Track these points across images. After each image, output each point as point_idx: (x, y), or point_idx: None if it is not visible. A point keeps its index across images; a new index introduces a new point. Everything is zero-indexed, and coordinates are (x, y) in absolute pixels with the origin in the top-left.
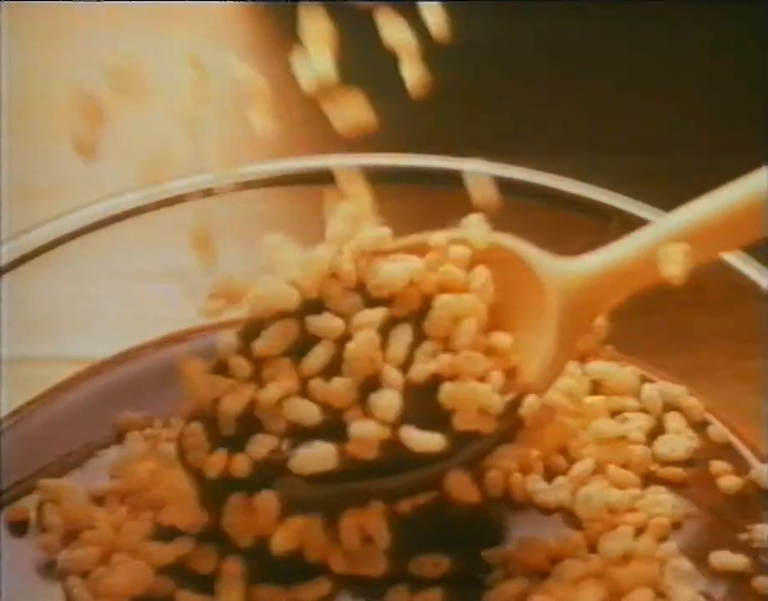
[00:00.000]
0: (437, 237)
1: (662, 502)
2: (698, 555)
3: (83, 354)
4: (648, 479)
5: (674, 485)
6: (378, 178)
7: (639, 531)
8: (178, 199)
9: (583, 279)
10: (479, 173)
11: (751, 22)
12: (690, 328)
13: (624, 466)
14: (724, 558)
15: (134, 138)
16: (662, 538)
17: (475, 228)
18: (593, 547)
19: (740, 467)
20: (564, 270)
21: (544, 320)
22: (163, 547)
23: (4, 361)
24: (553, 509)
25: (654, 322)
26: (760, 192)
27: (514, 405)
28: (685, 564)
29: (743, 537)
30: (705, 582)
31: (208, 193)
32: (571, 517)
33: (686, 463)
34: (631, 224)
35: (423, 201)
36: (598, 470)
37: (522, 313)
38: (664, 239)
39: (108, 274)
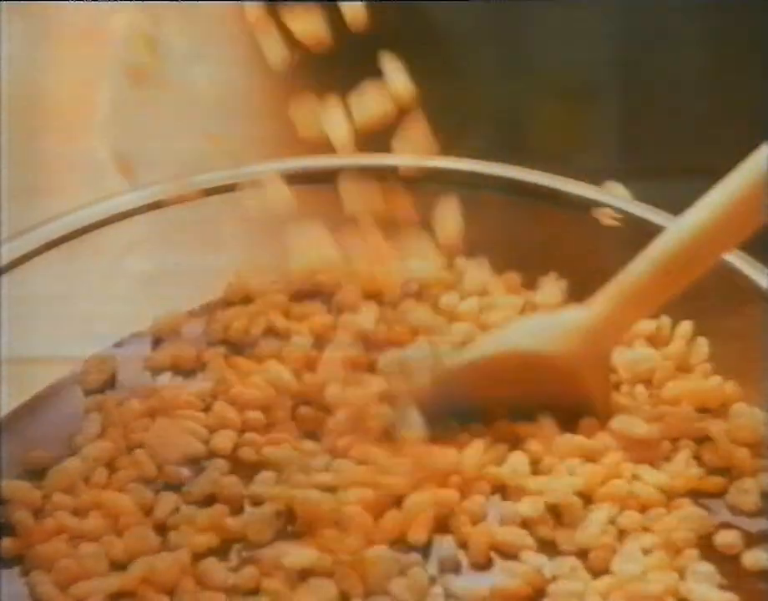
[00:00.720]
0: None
1: (688, 517)
2: (729, 557)
3: (81, 354)
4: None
5: (714, 494)
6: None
7: (654, 547)
8: (177, 199)
9: (595, 326)
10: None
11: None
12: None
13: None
14: (756, 558)
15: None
16: (680, 550)
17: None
18: (598, 572)
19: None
20: (576, 331)
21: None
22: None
23: (3, 361)
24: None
25: None
26: (759, 178)
27: None
28: (707, 567)
29: None
30: (736, 583)
31: (207, 192)
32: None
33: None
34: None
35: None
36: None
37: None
38: (667, 257)
39: (107, 274)
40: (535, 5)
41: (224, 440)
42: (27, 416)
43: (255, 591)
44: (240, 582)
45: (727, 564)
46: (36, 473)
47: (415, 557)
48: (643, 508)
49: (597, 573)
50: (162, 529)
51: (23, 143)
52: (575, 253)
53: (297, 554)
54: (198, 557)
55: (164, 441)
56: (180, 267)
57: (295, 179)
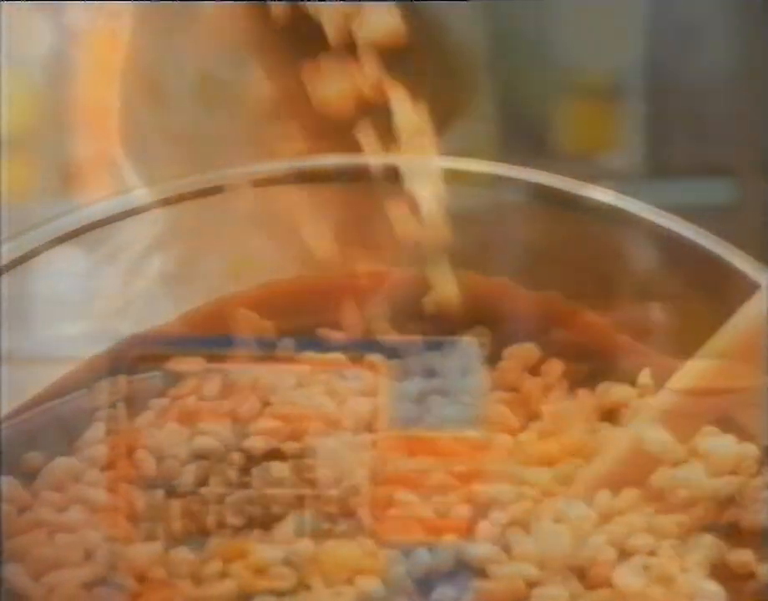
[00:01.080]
0: None
1: (703, 543)
2: (742, 575)
3: (81, 354)
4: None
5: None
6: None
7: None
8: (178, 199)
9: None
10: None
11: None
12: (693, 326)
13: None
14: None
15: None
16: (688, 569)
17: None
18: (595, 586)
19: None
20: None
21: None
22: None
23: (3, 361)
24: None
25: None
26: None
27: None
28: (711, 585)
29: None
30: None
31: (208, 192)
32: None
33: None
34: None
35: None
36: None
37: None
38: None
39: (106, 274)
40: (559, 2)
41: (257, 441)
42: (26, 418)
43: (222, 577)
44: (207, 569)
45: (740, 583)
46: (29, 475)
47: (392, 555)
48: (657, 537)
49: (594, 586)
50: (141, 520)
51: (48, 143)
52: (592, 259)
53: (263, 549)
54: (171, 545)
55: (172, 441)
56: (189, 267)
57: (296, 178)
